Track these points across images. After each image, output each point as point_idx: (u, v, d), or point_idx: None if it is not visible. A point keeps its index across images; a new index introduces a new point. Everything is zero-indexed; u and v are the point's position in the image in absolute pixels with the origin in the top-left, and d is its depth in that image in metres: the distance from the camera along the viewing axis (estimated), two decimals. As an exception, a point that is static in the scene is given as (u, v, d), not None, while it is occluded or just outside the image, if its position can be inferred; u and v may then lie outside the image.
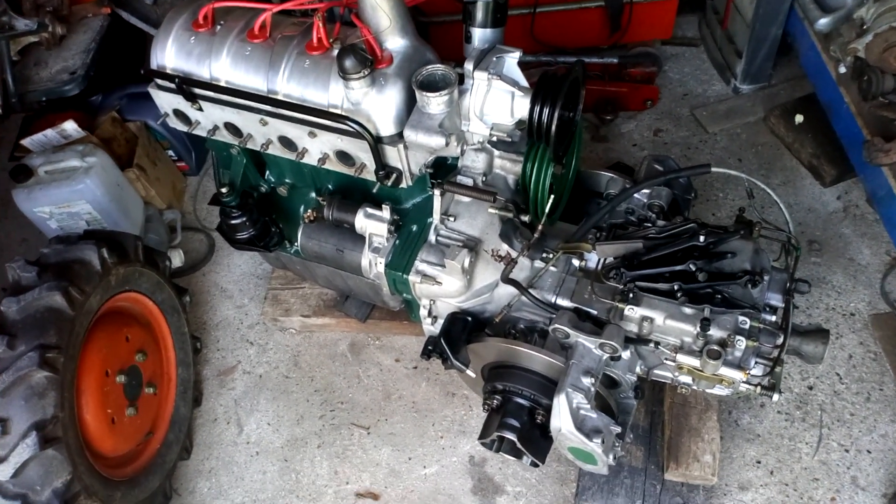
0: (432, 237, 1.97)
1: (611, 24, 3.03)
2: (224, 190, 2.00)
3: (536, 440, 1.91)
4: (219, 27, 1.84)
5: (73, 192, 2.51)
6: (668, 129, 3.19)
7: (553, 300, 1.96)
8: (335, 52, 1.68)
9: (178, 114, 1.99)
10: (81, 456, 1.92)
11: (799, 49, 2.94)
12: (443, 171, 2.02)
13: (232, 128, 1.93)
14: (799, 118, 2.99)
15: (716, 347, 1.72)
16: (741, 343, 1.72)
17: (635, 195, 2.09)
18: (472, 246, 1.95)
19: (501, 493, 2.32)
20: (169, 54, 1.88)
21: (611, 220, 2.07)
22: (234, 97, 1.81)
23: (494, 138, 1.84)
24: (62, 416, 1.84)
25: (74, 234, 2.10)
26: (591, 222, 1.99)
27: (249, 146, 1.95)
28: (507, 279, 1.91)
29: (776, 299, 1.87)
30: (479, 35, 1.80)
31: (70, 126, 2.63)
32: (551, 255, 1.96)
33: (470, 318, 2.03)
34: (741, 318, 1.75)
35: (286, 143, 1.88)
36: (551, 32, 3.03)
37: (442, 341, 1.98)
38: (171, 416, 2.39)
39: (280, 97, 1.78)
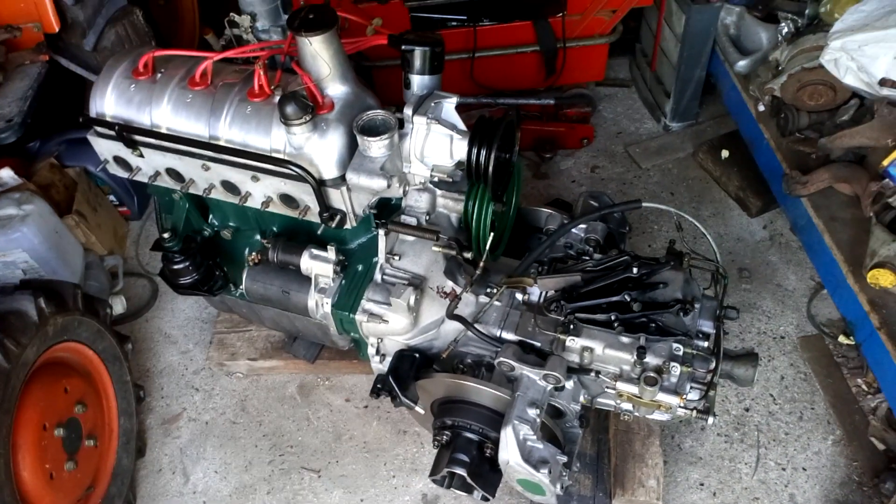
0: (378, 276, 2.00)
1: (546, 68, 3.16)
2: (166, 235, 1.99)
3: (486, 474, 1.94)
4: (159, 75, 1.86)
5: (9, 240, 2.44)
6: (605, 166, 3.33)
7: (498, 334, 2.01)
8: (276, 98, 1.72)
9: (119, 160, 1.98)
10: (17, 514, 1.85)
11: (722, 89, 3.13)
12: (387, 211, 2.06)
13: (174, 173, 1.94)
14: (725, 153, 3.17)
15: (652, 374, 1.79)
16: (676, 369, 1.80)
17: (573, 230, 2.18)
18: (418, 284, 1.98)
19: (454, 529, 2.32)
20: (109, 101, 1.89)
21: (551, 254, 2.14)
22: (175, 143, 1.82)
23: (436, 179, 1.90)
24: (-4, 473, 1.78)
25: (10, 285, 2.05)
26: (532, 257, 2.06)
27: (192, 191, 1.95)
28: (452, 315, 1.95)
29: (708, 326, 1.96)
30: (418, 81, 1.87)
31: (6, 174, 2.58)
32: (495, 290, 2.02)
33: (418, 355, 2.05)
34: (675, 345, 1.83)
35: (229, 187, 1.90)
36: (490, 75, 3.14)
37: (390, 379, 2.00)
38: (112, 468, 2.31)
39: (222, 143, 1.80)
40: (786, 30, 2.68)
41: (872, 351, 2.24)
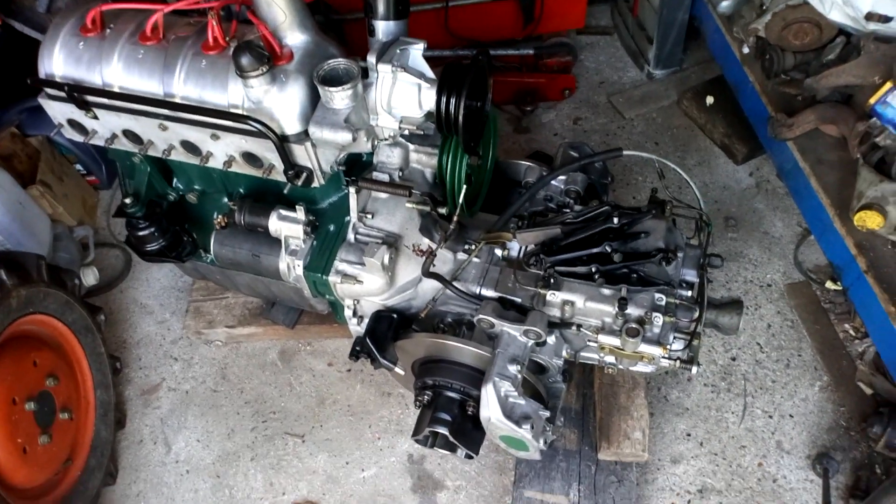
0: (351, 236, 1.94)
1: (524, 16, 3.06)
2: (128, 201, 1.92)
3: (469, 432, 1.90)
4: (108, 31, 1.76)
5: (-30, 213, 2.36)
6: (587, 117, 3.24)
7: (477, 291, 1.96)
8: (232, 50, 1.63)
9: (73, 123, 1.89)
10: (-10, 491, 1.81)
11: (705, 32, 3.04)
12: (358, 168, 1.98)
13: (131, 135, 1.85)
14: (710, 100, 3.09)
15: (634, 325, 1.75)
16: (658, 319, 1.75)
17: (553, 182, 2.11)
18: (392, 242, 1.92)
19: (441, 488, 2.30)
20: (57, 62, 1.79)
21: (531, 208, 2.08)
22: (129, 103, 1.73)
23: (405, 131, 1.82)
24: (-36, 450, 1.73)
25: (-31, 258, 1.98)
26: (511, 211, 2.00)
27: (151, 153, 1.87)
28: (428, 273, 1.90)
29: (691, 275, 1.92)
30: (383, 28, 1.78)
31: (-37, 144, 2.48)
32: (473, 247, 1.96)
33: (396, 316, 2.00)
34: (657, 295, 1.78)
35: (189, 147, 1.82)
36: (466, 25, 3.04)
37: (368, 341, 1.95)
38: (91, 440, 2.27)
39: (178, 100, 1.71)
40: (770, -34, 2.57)
41: (859, 295, 2.20)
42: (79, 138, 1.92)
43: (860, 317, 2.33)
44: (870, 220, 2.09)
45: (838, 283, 2.48)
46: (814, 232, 2.49)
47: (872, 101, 2.16)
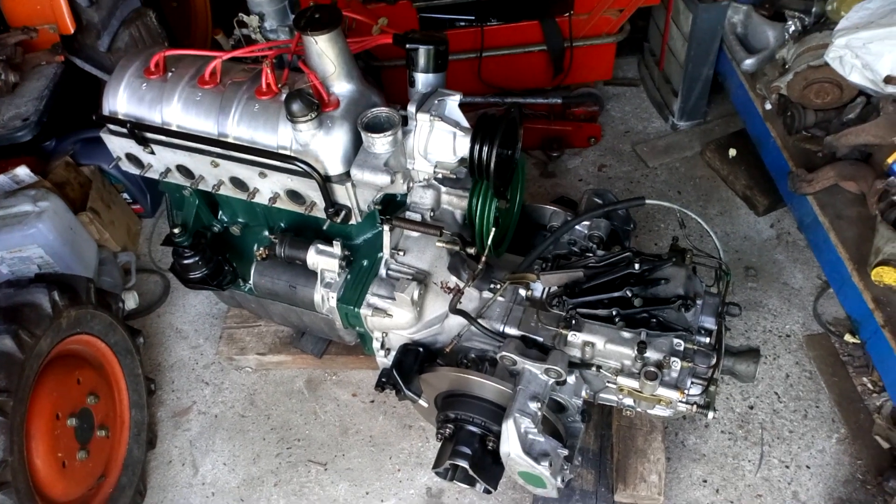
0: (383, 271, 2.04)
1: (554, 67, 3.18)
2: (176, 231, 2.04)
3: (488, 467, 1.96)
4: (170, 74, 1.91)
5: (25, 236, 2.51)
6: (612, 165, 3.34)
7: (501, 329, 2.03)
8: (283, 96, 1.76)
9: (131, 157, 2.03)
10: (31, 501, 1.90)
11: (729, 88, 3.14)
12: (392, 207, 2.10)
13: (184, 170, 1.98)
14: (732, 152, 3.17)
15: (653, 369, 1.81)
16: (676, 364, 1.81)
17: (577, 227, 2.20)
18: (422, 279, 2.01)
19: (458, 523, 2.35)
20: (121, 100, 1.93)
21: (555, 251, 2.17)
22: (185, 141, 1.87)
23: (439, 175, 1.93)
24: (11, 460, 1.83)
25: (25, 278, 2.11)
26: (536, 254, 2.08)
27: (202, 187, 2.00)
28: (455, 310, 1.98)
29: (710, 322, 1.97)
30: (422, 80, 1.90)
31: (22, 171, 2.64)
32: (499, 286, 2.05)
33: (422, 349, 2.08)
34: (676, 340, 1.84)
35: (238, 183, 1.94)
36: (497, 75, 3.17)
37: (394, 373, 2.03)
38: (124, 459, 2.37)
39: (231, 140, 1.84)
40: (792, 28, 2.68)
41: (877, 349, 2.24)
42: (135, 171, 2.06)
43: (877, 370, 2.36)
44: (887, 276, 2.14)
45: (857, 336, 2.51)
46: (832, 285, 2.54)
47: (890, 160, 2.23)
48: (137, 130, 1.90)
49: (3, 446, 1.81)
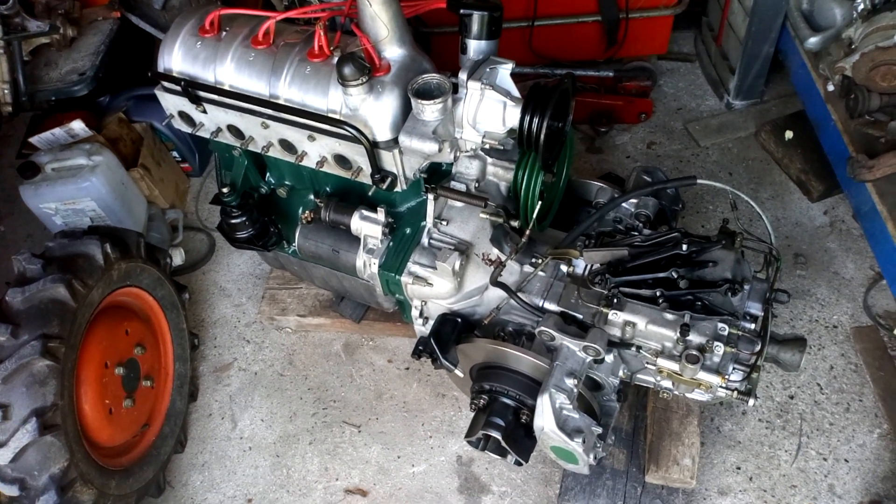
0: (425, 240, 2.04)
1: (607, 39, 3.11)
2: (225, 190, 2.07)
3: (521, 439, 1.97)
4: (224, 33, 1.92)
5: (79, 189, 2.58)
6: (662, 142, 3.26)
7: (540, 304, 2.02)
8: (335, 59, 1.76)
9: (183, 116, 2.06)
10: (79, 444, 1.98)
11: (790, 67, 3.02)
12: (437, 176, 2.09)
13: (234, 130, 2.00)
14: (789, 134, 3.07)
15: (695, 352, 1.78)
16: (719, 349, 1.78)
17: (623, 204, 2.16)
18: (464, 249, 2.01)
19: (487, 492, 2.37)
20: (176, 58, 1.95)
21: (599, 227, 2.14)
22: (237, 101, 1.88)
23: (487, 146, 1.91)
24: (62, 404, 1.90)
25: (79, 230, 2.17)
26: (580, 230, 2.06)
27: (251, 148, 2.02)
28: (496, 282, 1.98)
29: (756, 308, 1.93)
30: (475, 46, 1.87)
31: (78, 125, 2.71)
32: (540, 261, 2.03)
33: (460, 320, 2.09)
34: (720, 324, 1.81)
35: (286, 146, 1.96)
36: (549, 45, 3.11)
37: (432, 341, 2.04)
38: (167, 409, 2.45)
39: (281, 102, 1.85)
40: (861, 6, 2.54)
41: (930, 345, 2.17)
42: (187, 129, 2.09)
43: (929, 367, 2.29)
44: (947, 271, 2.06)
45: (908, 330, 2.44)
46: (886, 277, 2.46)
47: (960, 150, 2.13)
48: (191, 89, 1.92)
49: (54, 390, 1.88)
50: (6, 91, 2.52)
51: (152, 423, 2.39)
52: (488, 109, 1.82)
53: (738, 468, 2.34)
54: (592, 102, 3.25)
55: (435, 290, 2.03)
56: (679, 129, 3.30)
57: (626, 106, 3.26)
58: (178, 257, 2.90)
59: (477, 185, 2.06)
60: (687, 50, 3.61)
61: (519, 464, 2.00)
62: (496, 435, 1.93)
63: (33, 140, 2.74)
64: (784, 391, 2.48)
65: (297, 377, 2.69)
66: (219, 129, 2.03)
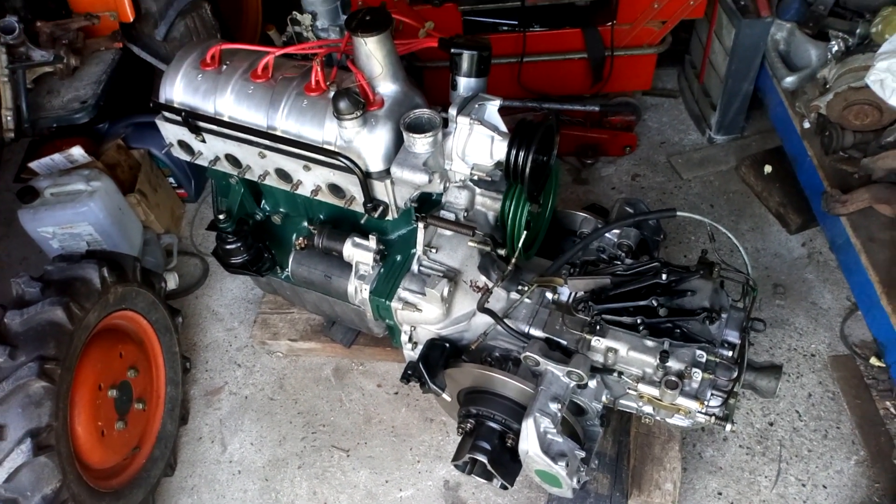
0: (415, 267, 2.11)
1: (593, 75, 3.22)
2: (221, 216, 2.13)
3: (506, 463, 2.01)
4: (225, 67, 2.00)
5: (77, 213, 2.63)
6: (646, 175, 3.36)
7: (526, 330, 2.08)
8: (331, 94, 1.84)
9: (183, 144, 2.13)
10: (71, 465, 2.01)
11: (768, 104, 3.14)
12: (427, 205, 2.16)
13: (232, 159, 2.07)
14: (768, 168, 3.17)
15: (674, 378, 1.84)
16: (697, 375, 1.85)
17: (607, 235, 2.24)
18: (452, 276, 2.08)
19: (474, 516, 2.41)
20: (177, 89, 2.03)
21: (583, 256, 2.21)
22: (236, 131, 1.96)
23: (475, 177, 1.99)
24: (56, 425, 1.93)
25: (77, 254, 2.22)
26: (565, 258, 2.13)
27: (248, 176, 2.09)
28: (483, 308, 2.04)
29: (733, 336, 1.99)
30: (464, 83, 1.96)
31: (77, 151, 2.77)
32: (526, 288, 2.10)
33: (448, 345, 2.15)
34: (698, 351, 1.88)
35: (282, 174, 2.03)
36: (537, 80, 3.22)
37: (420, 366, 2.10)
38: (158, 432, 2.47)
39: (279, 133, 1.93)
40: (836, 48, 2.68)
41: (902, 373, 2.24)
42: (186, 158, 2.15)
43: (902, 395, 2.36)
44: (916, 301, 2.14)
45: (882, 359, 2.51)
46: (861, 307, 2.54)
47: (926, 186, 2.23)
48: (191, 119, 1.99)
49: (49, 411, 1.92)
50: (9, 118, 2.58)
51: (143, 446, 2.42)
52: (477, 143, 1.90)
53: (720, 493, 2.38)
54: (579, 135, 3.35)
55: (424, 316, 2.09)
56: (662, 162, 3.41)
57: (611, 139, 3.36)
58: (171, 281, 2.95)
59: (466, 214, 2.13)
60: (670, 86, 3.74)
61: (505, 487, 2.04)
62: (482, 459, 1.98)
63: (33, 165, 2.80)
64: (764, 418, 2.54)
65: (288, 401, 2.73)
66: (217, 158, 2.10)
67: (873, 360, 2.59)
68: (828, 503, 2.34)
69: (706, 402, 1.88)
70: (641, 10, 3.01)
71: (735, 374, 1.90)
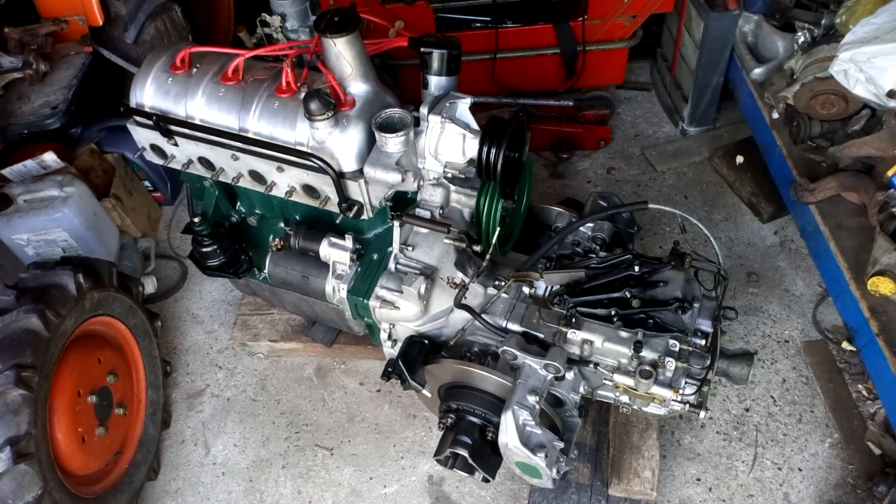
0: (392, 265, 2.12)
1: (566, 70, 3.25)
2: (196, 220, 2.13)
3: (487, 456, 2.04)
4: (195, 70, 2.00)
5: (51, 220, 2.62)
6: (621, 168, 3.40)
7: (504, 324, 2.11)
8: (302, 95, 1.84)
9: (155, 148, 2.12)
10: (52, 472, 2.01)
11: (738, 95, 3.18)
12: (403, 204, 2.17)
13: (205, 162, 2.07)
14: (740, 159, 3.22)
15: (648, 368, 1.88)
16: (671, 364, 1.88)
17: (581, 228, 2.27)
18: (429, 274, 2.09)
19: (457, 510, 2.43)
20: (148, 93, 2.03)
21: (559, 250, 2.24)
22: (207, 134, 1.96)
23: (449, 175, 2.01)
24: (35, 433, 1.93)
25: (52, 260, 2.21)
26: (540, 253, 2.16)
27: (221, 179, 2.09)
28: (459, 304, 2.06)
29: (706, 325, 2.03)
30: (435, 82, 1.98)
31: (50, 157, 2.75)
32: (503, 283, 2.12)
33: (427, 341, 2.17)
34: (671, 341, 1.91)
35: (256, 176, 2.03)
36: (511, 76, 3.24)
37: (400, 363, 2.11)
38: (139, 436, 2.47)
39: (251, 135, 1.93)
40: (802, 39, 2.72)
41: (871, 357, 2.29)
42: (159, 161, 2.15)
43: (871, 378, 2.41)
44: (882, 286, 2.19)
45: (853, 344, 2.57)
46: (831, 293, 2.59)
47: (890, 173, 2.28)
48: (162, 123, 1.99)
49: (27, 419, 1.91)
50: (-21, 125, 2.56)
51: (125, 451, 2.42)
52: (449, 141, 1.92)
53: (698, 479, 2.43)
54: (554, 130, 3.38)
55: (402, 314, 2.11)
56: (637, 154, 3.45)
57: (585, 133, 3.40)
58: (150, 285, 2.94)
59: (441, 211, 2.15)
60: (643, 79, 3.77)
61: (486, 480, 2.07)
62: (463, 452, 2.00)
63: (5, 172, 2.77)
64: (740, 404, 2.59)
65: (270, 402, 2.74)
66: (190, 161, 2.10)
67: (845, 345, 2.64)
68: (803, 486, 2.39)
69: (680, 391, 1.92)
70: (612, 5, 3.04)
71: (708, 363, 1.94)
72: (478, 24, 3.18)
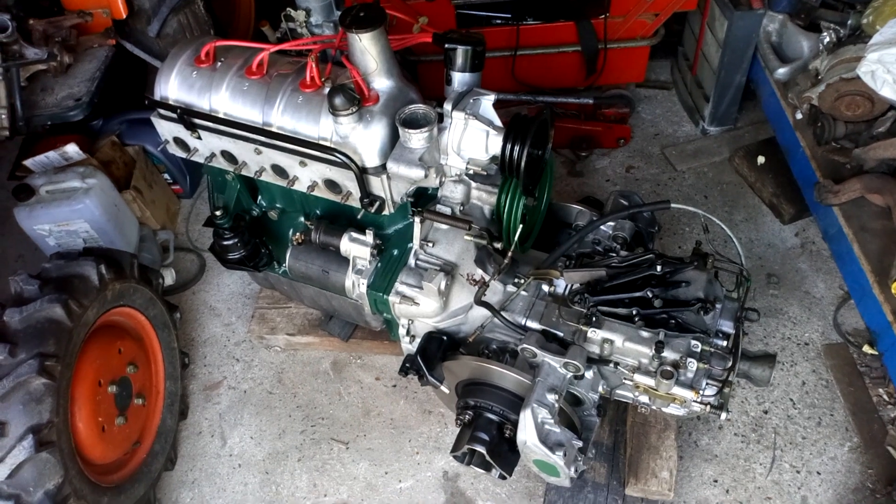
0: (412, 261, 2.12)
1: (587, 68, 3.23)
2: (218, 213, 2.14)
3: (504, 454, 2.04)
4: (219, 63, 2.00)
5: (73, 211, 2.64)
6: (640, 167, 3.38)
7: (523, 322, 2.10)
8: (326, 90, 1.85)
9: (178, 141, 2.14)
10: (73, 461, 2.02)
11: (761, 95, 3.16)
12: (423, 199, 2.17)
13: (228, 155, 2.08)
14: (761, 159, 3.20)
15: (669, 368, 1.87)
16: (692, 365, 1.87)
17: (602, 227, 2.25)
18: (449, 270, 2.09)
19: (473, 507, 2.43)
20: (172, 86, 2.04)
21: (579, 249, 2.23)
22: (231, 128, 1.96)
23: (471, 171, 2.00)
24: (57, 421, 1.95)
25: (75, 251, 2.22)
26: (560, 251, 2.15)
27: (244, 173, 2.09)
28: (480, 301, 2.06)
29: (728, 326, 2.02)
30: (459, 78, 1.98)
31: (72, 149, 2.77)
32: (523, 281, 2.11)
33: (446, 338, 2.17)
34: (693, 342, 1.90)
35: (278, 170, 2.04)
36: (531, 73, 3.23)
37: (418, 359, 2.11)
38: (158, 427, 2.49)
39: (274, 129, 1.93)
40: (827, 39, 2.69)
41: (893, 361, 2.27)
42: (181, 154, 2.16)
43: (893, 383, 2.39)
44: (907, 290, 2.17)
45: (875, 347, 2.54)
46: (853, 296, 2.57)
47: (917, 175, 2.25)
48: (186, 116, 2.00)
49: (50, 408, 1.93)
50: (3, 116, 2.58)
51: (143, 441, 2.43)
52: (472, 138, 1.91)
53: (716, 481, 2.42)
54: (573, 128, 3.37)
55: (421, 309, 2.11)
56: (657, 153, 3.43)
57: (605, 131, 3.38)
58: (168, 277, 2.96)
59: (462, 208, 2.15)
60: (664, 78, 3.75)
61: (503, 477, 2.06)
62: (481, 449, 2.00)
63: (28, 163, 2.80)
64: (758, 406, 2.57)
65: (286, 395, 2.75)
66: (213, 155, 2.10)
67: (866, 348, 2.62)
68: (822, 489, 2.37)
69: (701, 392, 1.91)
70: (634, 3, 3.02)
71: (729, 364, 1.93)
72: (498, 21, 3.17)
